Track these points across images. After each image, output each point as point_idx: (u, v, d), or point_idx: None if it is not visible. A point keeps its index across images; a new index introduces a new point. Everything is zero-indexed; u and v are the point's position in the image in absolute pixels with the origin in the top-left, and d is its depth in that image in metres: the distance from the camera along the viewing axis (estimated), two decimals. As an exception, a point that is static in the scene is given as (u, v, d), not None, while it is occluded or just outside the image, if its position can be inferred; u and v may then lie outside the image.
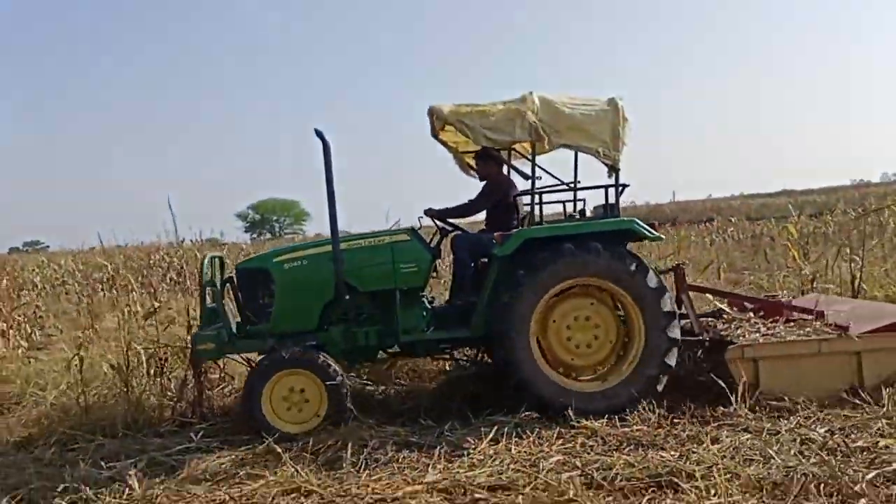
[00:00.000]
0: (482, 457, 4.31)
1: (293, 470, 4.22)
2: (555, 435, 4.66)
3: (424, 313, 5.71)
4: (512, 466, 4.12)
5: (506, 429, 4.73)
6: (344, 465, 4.34)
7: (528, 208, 5.74)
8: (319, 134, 5.30)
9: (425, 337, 5.61)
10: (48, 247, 32.87)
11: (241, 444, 4.83)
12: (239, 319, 5.76)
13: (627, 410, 5.02)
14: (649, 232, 5.43)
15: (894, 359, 5.11)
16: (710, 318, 6.11)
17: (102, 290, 14.35)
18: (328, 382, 5.02)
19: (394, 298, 5.48)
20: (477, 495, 3.76)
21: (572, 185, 5.76)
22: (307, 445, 4.63)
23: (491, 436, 4.61)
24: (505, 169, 6.20)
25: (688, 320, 5.75)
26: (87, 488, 4.11)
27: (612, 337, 5.36)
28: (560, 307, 5.37)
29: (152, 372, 6.15)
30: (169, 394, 5.98)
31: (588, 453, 4.33)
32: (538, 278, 5.21)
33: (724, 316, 6.09)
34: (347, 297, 5.46)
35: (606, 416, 4.95)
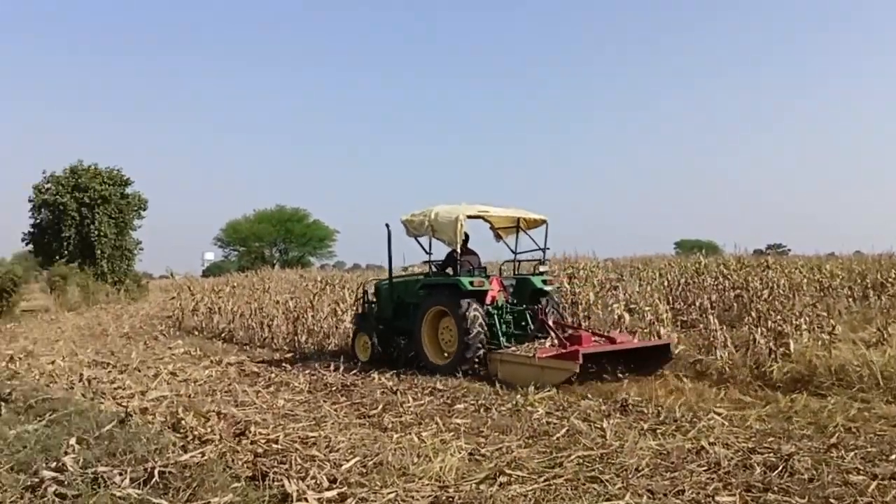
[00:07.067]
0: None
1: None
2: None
3: None
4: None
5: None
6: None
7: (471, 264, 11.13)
8: (387, 226, 11.17)
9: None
10: (789, 250, 32.05)
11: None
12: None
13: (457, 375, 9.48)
14: (464, 286, 9.98)
15: (557, 372, 8.46)
16: (542, 338, 9.91)
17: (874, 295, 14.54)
18: (370, 342, 11.50)
19: (415, 306, 11.01)
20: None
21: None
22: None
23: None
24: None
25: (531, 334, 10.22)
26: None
27: (458, 339, 9.89)
28: (443, 320, 10.41)
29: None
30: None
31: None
32: (422, 304, 10.70)
33: (545, 338, 9.77)
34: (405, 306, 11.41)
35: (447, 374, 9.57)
